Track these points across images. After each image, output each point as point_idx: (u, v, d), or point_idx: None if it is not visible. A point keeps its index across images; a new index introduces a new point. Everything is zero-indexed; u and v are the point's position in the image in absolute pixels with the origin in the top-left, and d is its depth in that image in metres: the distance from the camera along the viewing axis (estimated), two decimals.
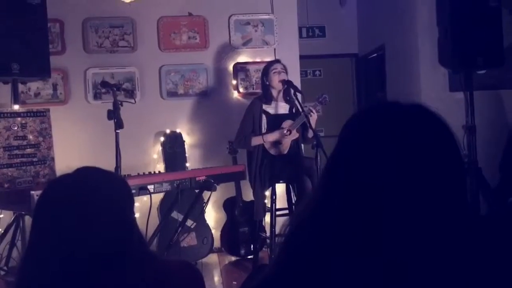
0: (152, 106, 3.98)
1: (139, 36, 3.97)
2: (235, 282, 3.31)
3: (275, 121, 3.42)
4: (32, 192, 2.42)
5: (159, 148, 3.95)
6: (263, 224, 3.64)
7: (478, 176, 3.34)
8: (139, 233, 1.06)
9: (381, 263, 0.67)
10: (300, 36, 5.03)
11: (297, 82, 3.84)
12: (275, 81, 3.38)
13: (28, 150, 2.88)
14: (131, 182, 2.67)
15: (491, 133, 3.82)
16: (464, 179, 0.72)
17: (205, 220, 3.73)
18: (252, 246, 3.69)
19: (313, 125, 3.23)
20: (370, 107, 0.78)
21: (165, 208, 3.53)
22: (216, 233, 3.84)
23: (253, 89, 4.06)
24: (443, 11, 3.53)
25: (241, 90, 4.07)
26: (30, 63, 3.04)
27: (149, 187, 2.75)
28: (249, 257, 3.73)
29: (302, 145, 3.55)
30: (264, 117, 3.43)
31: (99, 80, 3.68)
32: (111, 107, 2.92)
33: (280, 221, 3.37)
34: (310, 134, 3.38)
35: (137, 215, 3.43)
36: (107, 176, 1.07)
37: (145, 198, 2.92)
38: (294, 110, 3.50)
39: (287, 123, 3.39)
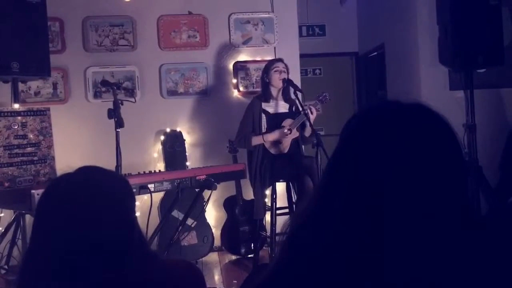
0: (152, 105, 3.98)
1: (139, 35, 3.97)
2: (236, 281, 3.31)
3: (275, 120, 3.42)
4: (33, 191, 2.41)
5: (159, 147, 3.95)
6: (264, 223, 3.64)
7: (479, 175, 3.33)
8: (140, 232, 1.06)
9: (383, 262, 0.67)
10: (300, 34, 5.03)
11: (297, 80, 3.84)
12: (276, 79, 3.38)
13: (29, 149, 2.88)
14: (131, 181, 2.65)
15: (491, 132, 3.82)
16: (465, 178, 0.72)
17: (205, 219, 3.74)
18: (252, 245, 3.69)
19: (313, 123, 3.23)
20: (371, 106, 0.78)
21: (165, 207, 3.53)
22: (216, 232, 3.85)
23: (253, 88, 4.06)
24: (443, 10, 3.52)
25: (241, 89, 4.07)
26: (30, 62, 3.03)
27: (149, 186, 2.75)
28: (249, 256, 3.73)
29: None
30: (263, 116, 3.43)
31: (99, 79, 3.68)
32: (111, 106, 2.92)
33: (280, 220, 3.38)
34: (307, 133, 3.38)
35: (137, 214, 3.42)
36: (108, 175, 1.07)
37: (146, 197, 2.92)
38: (293, 109, 3.50)
39: (287, 122, 3.39)
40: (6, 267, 2.99)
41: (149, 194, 2.73)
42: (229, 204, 3.82)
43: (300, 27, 4.87)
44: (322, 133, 4.94)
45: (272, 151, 3.40)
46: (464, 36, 3.33)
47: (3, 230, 3.09)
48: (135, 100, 3.44)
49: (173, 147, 3.88)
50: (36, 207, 1.02)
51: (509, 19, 3.96)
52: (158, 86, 4.00)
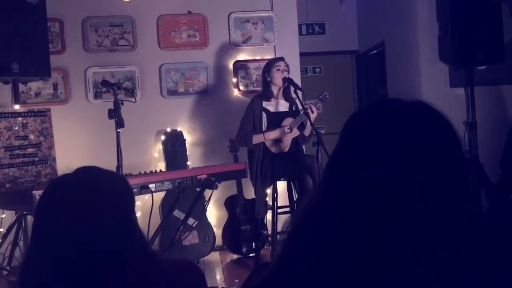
0: (153, 104, 3.98)
1: (139, 35, 3.96)
2: (237, 280, 3.31)
3: (276, 119, 3.42)
4: (34, 192, 2.42)
5: (160, 146, 3.95)
6: (265, 222, 3.64)
7: (480, 172, 3.33)
8: (140, 233, 1.06)
9: (383, 261, 0.67)
10: (300, 33, 5.03)
11: (297, 79, 3.84)
12: (277, 78, 3.38)
13: (29, 150, 2.88)
14: (132, 181, 2.67)
15: (492, 129, 3.82)
16: (466, 176, 0.72)
17: (206, 219, 3.74)
18: (254, 244, 3.70)
19: (313, 122, 3.23)
20: (371, 104, 0.78)
21: (166, 206, 3.53)
22: (217, 231, 3.85)
23: (253, 86, 4.05)
24: (443, 7, 3.51)
25: (241, 88, 4.07)
26: (30, 63, 3.03)
27: (150, 186, 2.75)
28: (251, 255, 3.73)
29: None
30: (264, 115, 3.43)
31: (99, 79, 3.68)
32: (111, 106, 2.92)
33: (281, 219, 3.38)
34: (307, 132, 3.38)
35: (138, 214, 3.42)
36: (107, 175, 1.07)
37: (147, 197, 2.92)
38: (294, 108, 3.50)
39: (288, 121, 3.39)
40: (8, 268, 3.00)
41: (150, 194, 2.73)
42: (230, 204, 3.82)
43: (300, 26, 4.86)
44: (322, 131, 4.94)
45: (273, 149, 3.40)
46: (464, 33, 3.33)
47: (4, 231, 3.10)
48: (136, 100, 3.44)
49: (174, 146, 3.88)
50: (36, 208, 1.02)
51: (509, 15, 3.95)
52: (158, 86, 4.00)
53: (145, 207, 2.94)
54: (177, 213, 3.47)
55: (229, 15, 4.07)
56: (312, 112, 3.20)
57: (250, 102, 3.51)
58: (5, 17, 2.93)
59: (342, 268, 0.68)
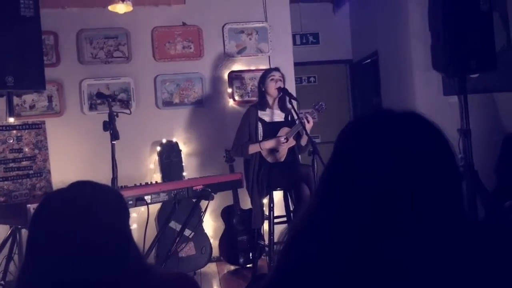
0: (148, 116, 3.98)
1: (133, 47, 3.98)
2: None
3: (271, 129, 3.43)
4: (29, 205, 2.40)
5: (155, 158, 3.94)
6: (262, 232, 3.63)
7: (475, 180, 3.34)
8: (135, 247, 1.06)
9: (380, 270, 0.67)
10: (294, 43, 5.06)
11: (292, 89, 3.86)
12: (272, 88, 3.40)
13: (24, 163, 2.86)
14: (128, 193, 2.66)
15: (486, 136, 3.84)
16: (460, 185, 0.73)
17: (203, 230, 3.72)
18: (251, 255, 3.68)
19: (309, 132, 3.24)
20: (364, 115, 0.79)
21: (162, 218, 3.51)
22: (214, 242, 3.83)
23: (248, 97, 4.07)
24: (435, 16, 3.55)
25: (236, 98, 4.08)
26: (25, 75, 3.03)
27: (146, 197, 2.74)
28: (248, 265, 3.71)
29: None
30: (260, 125, 3.44)
31: (94, 91, 3.68)
32: (106, 118, 2.91)
33: (278, 229, 3.37)
34: (304, 142, 3.38)
35: (134, 226, 3.42)
36: (102, 190, 1.07)
37: (143, 208, 2.91)
38: (289, 118, 3.51)
39: (284, 131, 3.40)
40: (2, 282, 2.96)
41: (146, 206, 2.71)
42: (226, 214, 3.81)
43: (294, 36, 4.90)
44: (318, 140, 4.95)
45: (269, 159, 3.41)
46: (456, 41, 3.36)
47: None
48: (131, 112, 3.43)
49: (170, 157, 3.88)
50: (30, 223, 1.01)
51: (500, 24, 4.00)
52: (153, 97, 4.01)
53: (141, 218, 2.93)
54: (173, 224, 3.45)
55: (223, 26, 4.09)
56: (308, 122, 3.21)
57: (246, 112, 3.52)
58: None
59: (339, 277, 0.68)
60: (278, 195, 3.57)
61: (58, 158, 3.52)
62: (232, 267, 3.79)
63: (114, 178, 2.84)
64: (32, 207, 2.35)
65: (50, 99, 3.84)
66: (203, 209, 3.17)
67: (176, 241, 3.07)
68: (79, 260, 0.95)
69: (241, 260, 3.74)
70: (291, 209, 3.48)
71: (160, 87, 4.01)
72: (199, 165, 4.02)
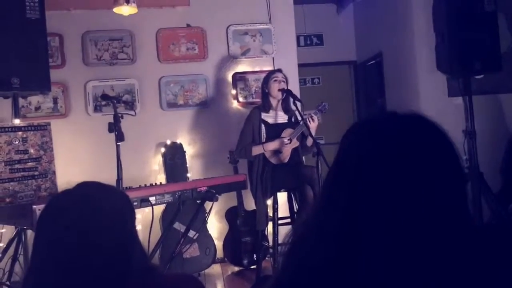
0: (152, 117, 3.99)
1: (138, 48, 3.99)
2: None
3: (275, 130, 3.43)
4: (34, 206, 2.41)
5: (160, 159, 3.95)
6: (266, 233, 3.62)
7: (480, 181, 3.33)
8: (141, 247, 1.06)
9: (385, 273, 0.67)
10: (298, 44, 5.07)
11: (296, 90, 3.86)
12: (274, 89, 3.40)
13: (29, 164, 2.88)
14: (132, 194, 2.67)
15: (491, 137, 3.83)
16: (464, 188, 0.73)
17: (207, 231, 3.72)
18: (255, 256, 3.68)
19: (313, 133, 3.24)
20: (368, 118, 0.79)
21: (167, 219, 3.52)
22: (218, 243, 3.83)
23: (252, 98, 4.07)
24: (439, 17, 3.55)
25: (240, 99, 4.08)
26: (30, 77, 3.05)
27: (150, 199, 2.74)
28: (252, 267, 3.71)
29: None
30: (263, 126, 3.44)
31: (99, 93, 3.70)
32: (111, 120, 2.92)
33: (282, 230, 3.36)
34: (309, 142, 3.38)
35: (139, 227, 3.42)
36: (107, 191, 1.07)
37: (147, 210, 2.91)
38: (293, 119, 3.51)
39: (287, 132, 3.40)
40: (8, 283, 2.97)
41: (151, 207, 2.72)
42: (230, 215, 3.81)
43: (298, 37, 4.90)
44: (322, 141, 4.95)
45: (273, 160, 3.40)
46: (460, 42, 3.35)
47: (4, 246, 3.08)
48: (135, 113, 3.45)
49: (174, 159, 3.88)
50: (36, 224, 1.02)
51: (505, 25, 3.98)
52: (157, 99, 4.02)
53: (146, 220, 2.93)
54: (177, 225, 3.46)
55: (227, 28, 4.10)
56: (313, 120, 3.22)
57: (249, 114, 3.52)
58: (5, 32, 2.95)
59: (343, 280, 0.68)
60: (282, 196, 3.57)
61: (63, 160, 3.53)
62: (236, 268, 3.79)
63: (119, 179, 2.85)
64: (37, 208, 2.36)
65: (55, 100, 3.86)
66: (207, 210, 3.17)
67: (181, 242, 3.08)
68: (85, 261, 0.95)
69: (245, 262, 3.74)
70: (295, 210, 3.48)
71: (164, 89, 4.02)
72: (203, 166, 4.03)
